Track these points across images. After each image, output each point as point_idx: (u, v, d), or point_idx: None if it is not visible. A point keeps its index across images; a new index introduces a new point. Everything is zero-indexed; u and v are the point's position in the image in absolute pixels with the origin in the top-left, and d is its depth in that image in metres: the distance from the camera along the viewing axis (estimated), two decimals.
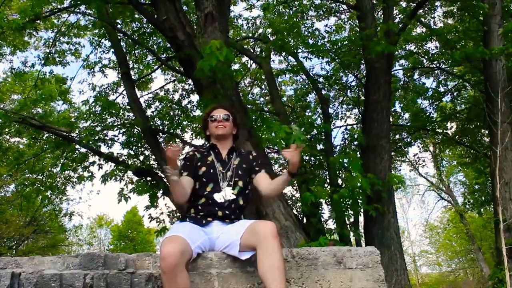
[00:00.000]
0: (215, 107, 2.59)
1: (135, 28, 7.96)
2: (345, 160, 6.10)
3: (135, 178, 7.23)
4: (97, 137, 7.29)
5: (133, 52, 8.40)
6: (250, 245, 2.01)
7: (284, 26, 7.50)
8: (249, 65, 9.27)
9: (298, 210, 7.73)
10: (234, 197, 2.31)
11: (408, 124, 9.83)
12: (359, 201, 5.28)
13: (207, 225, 2.23)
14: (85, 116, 8.06)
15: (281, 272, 1.90)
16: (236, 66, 8.98)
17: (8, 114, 6.98)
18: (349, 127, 9.60)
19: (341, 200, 5.11)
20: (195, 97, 8.80)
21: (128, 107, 7.84)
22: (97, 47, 8.37)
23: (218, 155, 2.45)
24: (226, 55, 3.79)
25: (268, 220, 2.18)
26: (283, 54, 8.62)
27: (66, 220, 14.70)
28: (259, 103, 9.67)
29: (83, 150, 7.67)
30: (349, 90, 9.53)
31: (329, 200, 5.76)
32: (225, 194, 2.31)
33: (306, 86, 9.57)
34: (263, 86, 9.84)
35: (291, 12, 8.83)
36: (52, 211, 13.26)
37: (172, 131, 8.43)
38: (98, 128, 7.65)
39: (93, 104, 7.19)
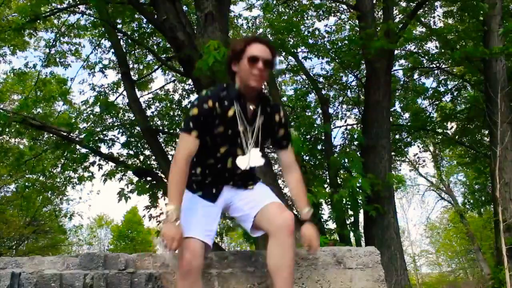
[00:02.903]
0: (257, 39, 1.94)
1: (135, 28, 7.96)
2: (346, 160, 6.10)
3: (135, 178, 7.23)
4: (97, 138, 7.29)
5: (133, 52, 8.40)
6: (262, 228, 1.88)
7: (284, 26, 7.50)
8: None
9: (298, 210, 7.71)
10: (262, 161, 1.94)
11: (408, 124, 9.83)
12: (359, 201, 5.28)
13: (219, 196, 1.96)
14: (85, 118, 8.06)
15: (291, 271, 1.83)
16: None
17: (9, 114, 6.98)
18: (349, 127, 9.60)
19: (341, 200, 5.11)
20: (195, 97, 8.80)
21: (128, 107, 7.85)
22: (97, 47, 8.38)
23: (244, 108, 1.90)
24: (224, 54, 3.79)
25: (286, 210, 1.85)
26: (283, 54, 8.62)
27: (66, 221, 14.71)
28: None
29: (83, 150, 7.67)
30: (349, 90, 9.53)
31: (329, 200, 5.75)
32: (250, 158, 1.91)
33: (306, 86, 9.57)
34: (263, 86, 9.84)
35: (291, 12, 8.83)
36: (52, 212, 13.27)
37: (172, 131, 8.43)
38: (98, 129, 7.65)
39: (93, 104, 7.18)
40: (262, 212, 1.86)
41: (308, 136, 7.68)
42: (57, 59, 8.38)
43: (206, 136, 1.89)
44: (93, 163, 7.69)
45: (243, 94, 1.91)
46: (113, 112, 7.48)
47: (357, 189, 5.10)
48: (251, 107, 1.94)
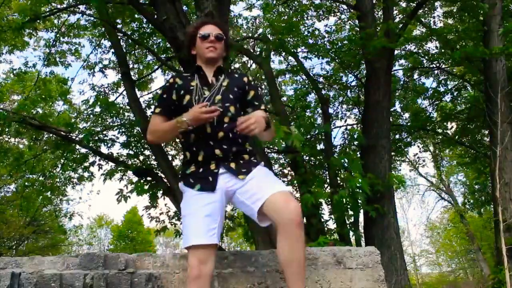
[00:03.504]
0: (205, 21, 2.17)
1: (135, 28, 7.96)
2: (346, 160, 6.10)
3: (135, 178, 7.24)
4: (97, 138, 7.30)
5: (133, 52, 8.40)
6: (269, 219, 1.86)
7: (284, 26, 7.50)
8: (249, 65, 9.28)
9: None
10: (228, 120, 1.94)
11: (408, 124, 9.83)
12: (359, 201, 5.28)
13: (217, 182, 1.93)
14: (85, 117, 8.07)
15: (301, 264, 1.80)
16: (236, 65, 8.98)
17: (8, 114, 6.98)
18: (349, 127, 9.60)
19: (341, 200, 5.11)
20: None
21: (128, 107, 7.85)
22: (97, 47, 8.38)
23: (203, 78, 2.07)
24: None
25: (292, 200, 1.81)
26: (283, 54, 8.62)
27: (66, 221, 14.72)
28: None
29: (83, 150, 7.68)
30: (349, 90, 9.53)
31: (329, 200, 5.76)
32: (219, 131, 1.94)
33: (306, 86, 9.57)
34: (262, 86, 9.85)
35: (291, 12, 8.83)
36: (52, 212, 13.27)
37: None
38: (98, 129, 7.66)
39: (93, 103, 7.18)
40: (266, 204, 1.83)
41: (308, 136, 7.67)
42: (57, 59, 8.38)
43: (179, 111, 1.99)
44: (93, 163, 7.70)
45: (201, 68, 2.09)
46: (113, 112, 7.48)
47: (357, 189, 5.10)
48: (212, 77, 2.08)
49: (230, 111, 1.99)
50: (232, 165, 1.97)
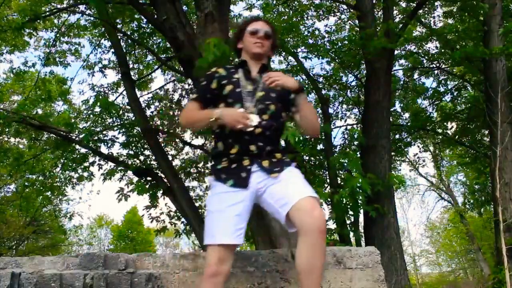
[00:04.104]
0: (256, 18, 2.19)
1: (135, 28, 7.96)
2: (346, 160, 6.09)
3: (135, 178, 7.24)
4: (96, 138, 7.29)
5: (133, 52, 8.40)
6: (294, 225, 1.83)
7: (284, 26, 7.49)
8: None
9: None
10: (260, 121, 1.92)
11: (408, 124, 9.83)
12: (359, 201, 5.27)
13: (249, 180, 1.90)
14: (84, 116, 8.07)
15: (320, 273, 1.78)
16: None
17: (8, 114, 6.98)
18: (349, 127, 9.60)
19: (341, 200, 5.11)
20: None
21: (128, 107, 7.85)
22: (96, 47, 8.38)
23: (247, 73, 2.06)
24: (225, 52, 3.77)
25: (317, 208, 1.80)
26: (283, 54, 8.61)
27: (66, 221, 14.72)
28: None
29: (83, 150, 7.67)
30: (349, 90, 9.53)
31: (329, 200, 5.75)
32: (252, 118, 1.90)
33: (306, 86, 9.56)
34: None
35: (291, 12, 8.82)
36: (52, 212, 13.27)
37: (171, 131, 8.42)
38: (98, 129, 7.65)
39: (93, 104, 7.18)
40: (293, 209, 1.80)
41: (308, 136, 7.66)
42: (57, 59, 8.38)
43: (219, 101, 1.99)
44: (92, 163, 7.70)
45: (246, 62, 2.08)
46: (113, 112, 7.48)
47: (357, 189, 5.09)
48: (256, 73, 2.06)
49: (270, 109, 1.98)
50: (265, 163, 1.94)
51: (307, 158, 7.39)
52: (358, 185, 5.03)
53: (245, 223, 1.89)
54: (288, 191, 1.85)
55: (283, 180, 1.90)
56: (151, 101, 8.58)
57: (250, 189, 1.90)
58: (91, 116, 7.96)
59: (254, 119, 1.90)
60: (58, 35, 8.27)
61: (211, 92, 2.03)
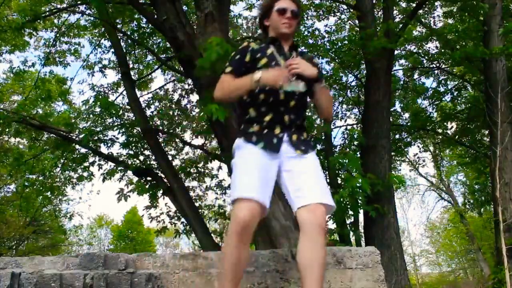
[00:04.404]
0: None
1: (135, 28, 7.96)
2: (345, 160, 6.09)
3: (135, 178, 7.23)
4: (96, 138, 7.29)
5: (133, 52, 8.40)
6: (298, 219, 1.87)
7: None
8: None
9: None
10: (303, 90, 1.97)
11: (408, 124, 9.83)
12: (359, 201, 5.27)
13: (280, 147, 1.93)
14: (84, 116, 8.06)
15: (320, 268, 1.79)
16: None
17: (8, 115, 6.98)
18: (349, 127, 9.60)
19: (341, 200, 5.11)
20: (194, 97, 8.82)
21: (128, 107, 7.85)
22: (96, 47, 8.38)
23: (280, 49, 2.06)
24: (227, 50, 3.75)
25: (320, 208, 1.83)
26: None
27: (66, 221, 14.71)
28: None
29: (83, 150, 7.67)
30: (349, 90, 9.52)
31: None
32: (295, 84, 1.93)
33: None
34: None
35: None
36: (52, 212, 13.27)
37: (171, 131, 8.42)
38: (98, 129, 7.65)
39: (93, 104, 7.18)
40: (303, 208, 1.84)
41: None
42: (57, 59, 8.37)
43: (252, 71, 1.97)
44: (92, 163, 7.70)
45: (277, 39, 2.08)
46: (113, 111, 7.48)
47: (357, 189, 5.09)
48: (286, 49, 2.08)
49: (301, 84, 2.00)
50: (294, 137, 1.98)
51: None
52: (358, 185, 5.03)
53: (271, 190, 1.87)
54: (310, 188, 1.87)
55: (307, 171, 1.93)
56: (151, 101, 8.58)
57: (278, 158, 1.92)
58: (91, 116, 7.96)
59: (301, 85, 1.95)
60: (58, 35, 8.27)
61: (245, 65, 2.04)
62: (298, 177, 1.90)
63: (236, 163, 1.95)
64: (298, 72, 1.91)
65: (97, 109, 7.50)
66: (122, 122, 7.84)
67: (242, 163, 1.91)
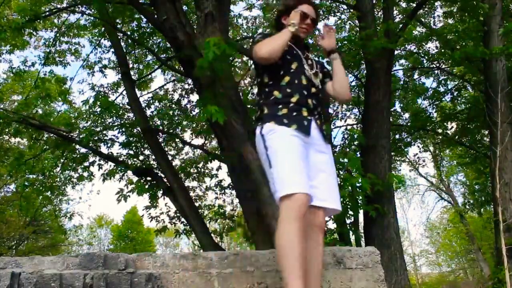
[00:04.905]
0: (308, 0, 2.22)
1: (135, 28, 7.95)
2: (345, 160, 6.08)
3: (135, 178, 7.23)
4: (96, 138, 7.28)
5: (133, 52, 8.40)
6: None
7: None
8: (249, 65, 9.26)
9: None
10: (319, 84, 2.12)
11: (408, 124, 9.82)
12: (360, 201, 5.27)
13: (310, 129, 1.96)
14: (84, 116, 8.05)
15: (320, 265, 1.88)
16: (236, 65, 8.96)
17: (8, 114, 6.97)
18: (349, 127, 9.60)
19: (341, 200, 5.10)
20: (194, 97, 8.82)
21: (127, 107, 7.84)
22: (96, 47, 8.37)
23: (297, 43, 2.15)
24: (225, 50, 3.76)
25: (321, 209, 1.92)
26: None
27: (66, 221, 14.71)
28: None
29: (83, 150, 7.66)
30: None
31: None
32: (313, 76, 2.07)
33: None
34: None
35: None
36: (52, 212, 13.26)
37: (171, 131, 8.42)
38: (98, 129, 7.64)
39: (92, 104, 7.17)
40: (313, 208, 1.87)
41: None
42: (57, 59, 8.36)
43: (275, 65, 2.03)
44: (92, 163, 7.70)
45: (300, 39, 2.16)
46: (113, 111, 7.47)
47: (357, 189, 5.09)
48: (301, 48, 2.17)
49: (319, 76, 2.14)
50: (319, 123, 2.04)
51: None
52: (358, 184, 5.02)
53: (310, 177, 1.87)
54: (331, 192, 1.95)
55: (326, 170, 1.97)
56: (151, 101, 8.58)
57: (308, 142, 1.93)
58: (91, 116, 7.95)
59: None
60: (58, 35, 8.26)
61: None
62: (317, 174, 1.92)
63: (275, 149, 1.87)
64: (323, 41, 2.17)
65: (97, 109, 7.49)
66: (122, 122, 7.83)
67: (283, 150, 1.85)
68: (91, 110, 7.71)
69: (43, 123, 7.32)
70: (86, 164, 7.76)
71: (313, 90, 2.06)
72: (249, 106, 8.18)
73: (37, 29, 6.75)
